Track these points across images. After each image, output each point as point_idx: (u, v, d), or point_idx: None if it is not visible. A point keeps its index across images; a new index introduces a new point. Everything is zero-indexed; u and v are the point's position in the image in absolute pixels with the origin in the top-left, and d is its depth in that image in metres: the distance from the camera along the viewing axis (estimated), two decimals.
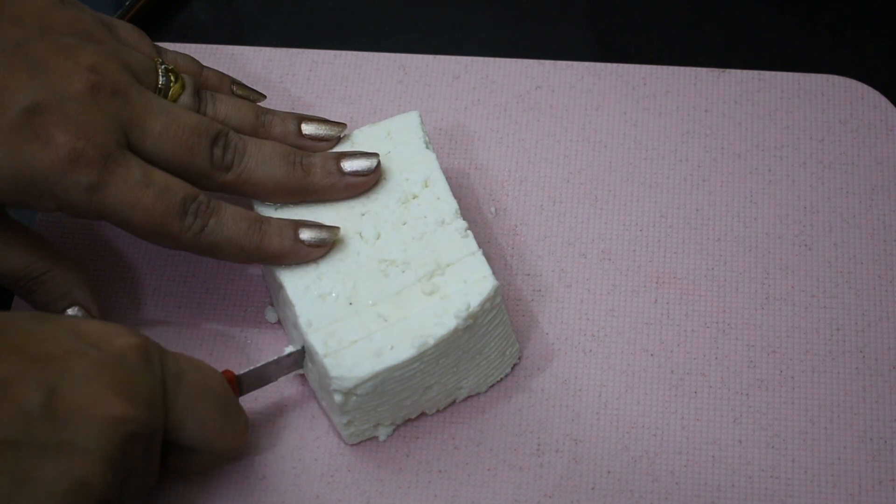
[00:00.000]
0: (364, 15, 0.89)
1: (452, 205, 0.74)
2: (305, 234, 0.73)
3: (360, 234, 0.74)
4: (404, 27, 0.89)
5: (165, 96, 0.73)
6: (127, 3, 0.87)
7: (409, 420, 0.73)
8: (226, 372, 0.71)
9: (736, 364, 0.76)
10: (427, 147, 0.76)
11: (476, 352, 0.72)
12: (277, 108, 0.78)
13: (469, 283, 0.71)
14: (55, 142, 0.68)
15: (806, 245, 0.79)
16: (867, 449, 0.73)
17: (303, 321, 0.71)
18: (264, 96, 0.79)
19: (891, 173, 0.81)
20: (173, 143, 0.71)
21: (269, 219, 0.73)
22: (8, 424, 0.60)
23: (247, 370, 0.72)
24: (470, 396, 0.74)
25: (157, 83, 0.73)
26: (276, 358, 0.72)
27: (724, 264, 0.79)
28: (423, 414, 0.74)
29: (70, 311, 0.72)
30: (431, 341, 0.70)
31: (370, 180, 0.75)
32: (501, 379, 0.75)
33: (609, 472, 0.73)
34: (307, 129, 0.76)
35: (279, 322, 0.77)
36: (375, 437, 0.73)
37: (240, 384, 0.71)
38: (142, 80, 0.72)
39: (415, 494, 0.72)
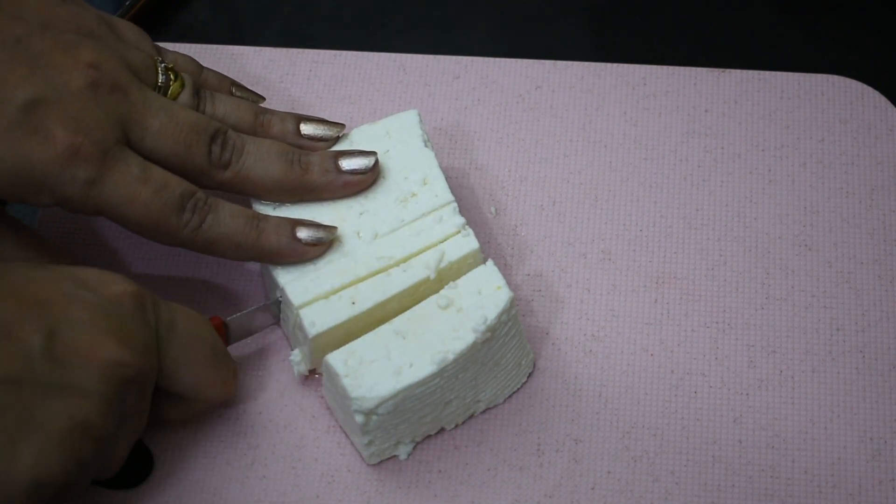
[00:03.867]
0: (364, 15, 0.89)
1: (451, 202, 0.74)
2: (303, 233, 0.73)
3: (359, 233, 0.74)
4: (404, 27, 0.89)
5: (165, 94, 0.73)
6: (127, 3, 0.87)
7: (429, 436, 0.73)
8: (213, 318, 0.72)
9: (736, 364, 0.76)
10: (426, 145, 0.76)
11: (494, 363, 0.72)
12: (277, 108, 0.79)
13: (484, 294, 0.71)
14: (54, 137, 0.68)
15: (806, 245, 0.79)
16: (867, 449, 0.73)
17: (307, 322, 0.71)
18: (263, 98, 0.79)
19: (891, 173, 0.81)
20: (172, 140, 0.71)
21: (266, 216, 0.73)
22: (10, 363, 0.62)
23: (234, 316, 0.73)
24: (487, 409, 0.74)
25: (157, 81, 0.73)
26: (261, 304, 0.74)
27: (724, 264, 0.79)
28: (441, 429, 0.74)
29: None
30: (451, 356, 0.69)
31: (368, 179, 0.75)
32: (518, 389, 0.75)
33: (609, 472, 0.73)
34: (306, 129, 0.76)
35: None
36: (395, 456, 0.73)
37: (227, 331, 0.73)
38: (141, 78, 0.72)
39: (415, 494, 0.72)
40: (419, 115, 0.77)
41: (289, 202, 0.75)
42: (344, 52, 0.86)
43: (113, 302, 0.66)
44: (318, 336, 0.71)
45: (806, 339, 0.76)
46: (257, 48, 0.86)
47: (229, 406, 0.74)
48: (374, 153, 0.75)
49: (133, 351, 0.65)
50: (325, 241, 0.73)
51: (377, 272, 0.73)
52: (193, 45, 0.84)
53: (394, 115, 0.77)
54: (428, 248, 0.73)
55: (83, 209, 0.70)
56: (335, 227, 0.73)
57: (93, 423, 0.63)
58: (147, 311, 0.67)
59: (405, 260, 0.73)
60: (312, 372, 0.75)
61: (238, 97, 0.77)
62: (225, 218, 0.72)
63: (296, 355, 0.74)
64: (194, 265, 0.79)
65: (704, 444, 0.73)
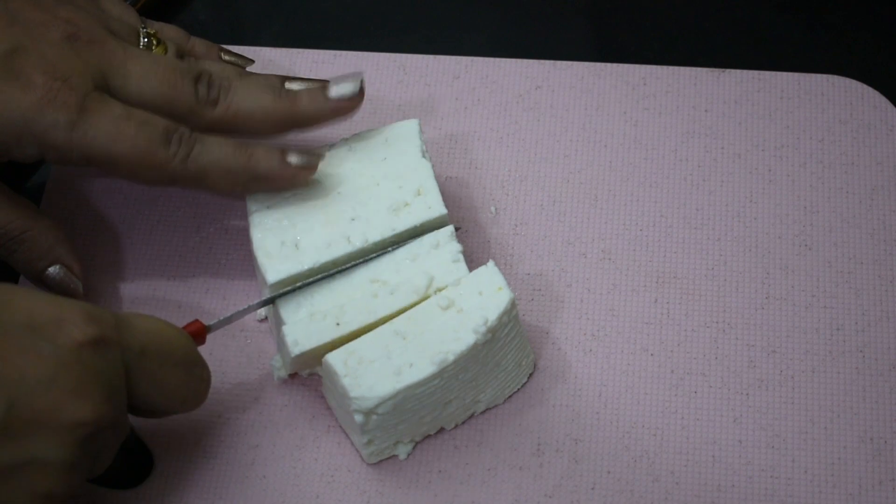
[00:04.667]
0: (364, 15, 0.89)
1: (443, 214, 0.74)
2: (293, 157, 0.73)
3: (349, 238, 0.74)
4: (404, 27, 0.89)
5: None
6: (127, 3, 0.87)
7: (429, 436, 0.73)
8: (194, 323, 0.70)
9: (736, 364, 0.76)
10: (423, 156, 0.76)
11: (494, 364, 0.72)
12: None
13: (485, 295, 0.71)
14: (33, 83, 0.69)
15: (806, 245, 0.79)
16: (867, 449, 0.73)
17: (290, 340, 0.71)
18: (252, 61, 0.79)
19: (891, 173, 0.81)
20: (156, 81, 0.72)
21: (254, 143, 0.73)
22: None
23: (217, 321, 0.72)
24: (487, 409, 0.74)
25: (139, 45, 0.74)
26: (243, 308, 0.73)
27: (724, 264, 0.79)
28: (441, 429, 0.74)
29: (51, 270, 0.72)
30: (451, 357, 0.69)
31: (356, 103, 0.75)
32: (518, 390, 0.75)
33: (609, 472, 0.73)
34: (290, 85, 0.76)
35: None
36: (395, 456, 0.73)
37: (208, 331, 0.71)
38: (122, 39, 0.73)
39: (415, 494, 0.72)
40: (419, 125, 0.77)
41: (281, 134, 0.75)
42: (344, 52, 0.86)
43: (72, 351, 0.61)
44: (300, 355, 0.71)
45: (806, 339, 0.76)
46: (257, 48, 0.86)
47: (229, 406, 0.74)
48: (360, 73, 0.75)
49: (96, 404, 0.61)
50: (315, 164, 0.73)
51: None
52: None
53: (395, 123, 0.77)
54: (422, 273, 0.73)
55: (69, 156, 0.70)
56: (323, 153, 0.74)
57: (56, 492, 0.61)
58: (111, 350, 0.63)
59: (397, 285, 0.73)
60: (293, 375, 0.74)
61: (227, 62, 0.78)
62: (213, 146, 0.72)
63: (276, 360, 0.74)
64: (195, 267, 0.78)
65: (704, 444, 0.73)
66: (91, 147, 0.70)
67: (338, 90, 0.74)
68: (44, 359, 0.61)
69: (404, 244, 0.74)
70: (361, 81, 0.75)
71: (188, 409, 0.69)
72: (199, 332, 0.70)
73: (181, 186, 0.73)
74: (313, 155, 0.73)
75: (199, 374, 0.69)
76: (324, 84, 0.75)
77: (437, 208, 0.74)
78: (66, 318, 0.62)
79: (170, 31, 0.77)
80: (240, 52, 0.85)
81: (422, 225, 0.74)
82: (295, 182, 0.73)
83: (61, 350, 0.61)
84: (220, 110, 0.73)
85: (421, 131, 0.76)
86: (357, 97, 0.75)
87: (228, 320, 0.72)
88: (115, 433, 0.64)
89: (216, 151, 0.72)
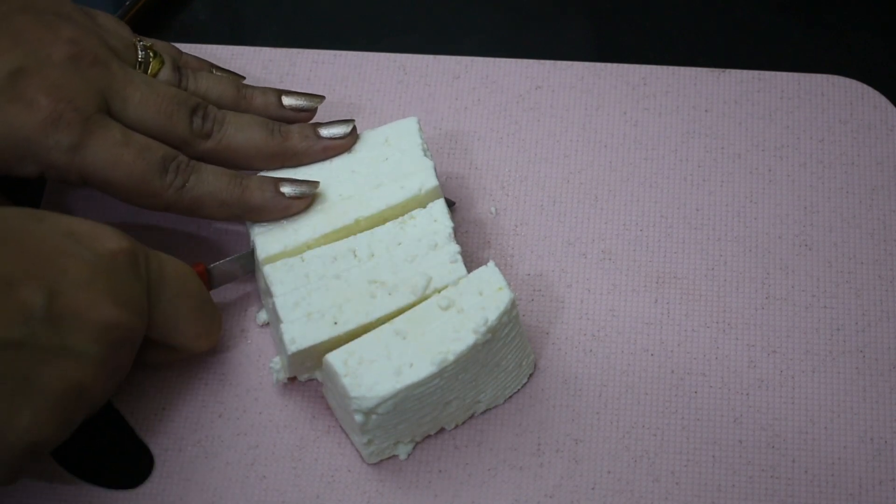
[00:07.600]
0: (364, 15, 0.89)
1: (447, 228, 0.74)
2: (286, 188, 0.74)
3: (355, 251, 0.73)
4: (404, 27, 0.89)
5: (146, 72, 0.75)
6: (127, 3, 0.87)
7: (429, 436, 0.73)
8: (196, 265, 0.73)
9: (736, 364, 0.76)
10: (425, 154, 0.76)
11: (494, 365, 0.72)
12: None
13: (485, 295, 0.71)
14: (37, 104, 0.70)
15: (806, 245, 0.79)
16: (867, 449, 0.73)
17: (287, 338, 0.71)
18: (244, 77, 0.80)
19: (891, 173, 0.81)
20: (153, 110, 0.73)
21: (249, 175, 0.74)
22: (13, 325, 0.62)
23: (216, 263, 0.74)
24: (487, 409, 0.74)
25: (137, 58, 0.75)
26: (243, 253, 0.75)
27: (724, 264, 0.79)
28: (442, 429, 0.73)
29: None
30: (451, 357, 0.69)
31: (347, 143, 0.76)
32: (518, 390, 0.75)
33: (609, 472, 0.73)
34: (287, 100, 0.78)
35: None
36: (395, 456, 0.73)
37: (210, 277, 0.74)
38: (121, 57, 0.74)
39: (415, 494, 0.72)
40: (418, 122, 0.77)
41: (272, 168, 0.76)
42: (344, 52, 0.86)
43: (108, 259, 0.66)
44: (297, 353, 0.71)
45: (806, 339, 0.76)
46: (257, 48, 0.86)
47: (229, 406, 0.74)
48: (352, 120, 0.76)
49: (128, 311, 0.66)
50: (308, 195, 0.74)
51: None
52: (193, 45, 0.84)
53: (393, 122, 0.77)
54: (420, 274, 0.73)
55: (68, 176, 0.71)
56: (317, 182, 0.74)
57: (87, 386, 0.64)
58: (139, 266, 0.68)
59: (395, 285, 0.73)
60: (292, 380, 0.74)
61: (218, 76, 0.79)
62: (208, 177, 0.73)
63: (275, 363, 0.74)
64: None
65: (705, 444, 0.73)
66: (89, 170, 0.71)
67: (329, 131, 0.76)
68: (83, 262, 0.65)
69: (404, 245, 0.74)
70: (353, 125, 0.76)
71: (201, 346, 0.72)
72: (201, 274, 0.73)
73: (175, 213, 0.74)
74: (308, 185, 0.74)
75: (210, 311, 0.72)
76: (315, 124, 0.76)
77: (443, 221, 0.74)
78: (101, 232, 0.67)
79: (164, 47, 0.78)
80: (240, 53, 0.86)
81: (427, 238, 0.74)
82: (289, 212, 0.74)
83: (98, 257, 0.66)
84: (211, 143, 0.75)
85: (420, 128, 0.76)
86: (348, 137, 0.76)
87: (228, 266, 0.75)
88: (129, 354, 0.68)
89: (211, 182, 0.73)
